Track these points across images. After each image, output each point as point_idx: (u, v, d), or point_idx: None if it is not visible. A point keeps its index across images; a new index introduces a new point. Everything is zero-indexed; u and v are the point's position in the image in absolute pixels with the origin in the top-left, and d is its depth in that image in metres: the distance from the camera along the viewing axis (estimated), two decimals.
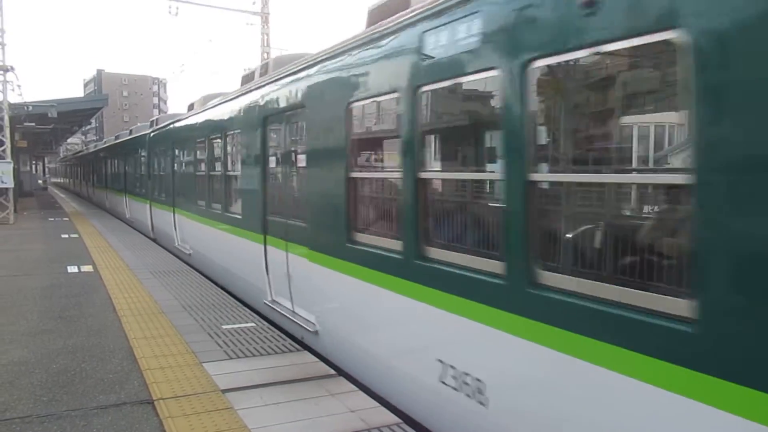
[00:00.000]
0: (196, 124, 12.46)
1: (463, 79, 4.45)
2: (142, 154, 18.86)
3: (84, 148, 58.05)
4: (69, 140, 65.19)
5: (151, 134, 17.72)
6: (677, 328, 2.90)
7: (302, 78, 6.97)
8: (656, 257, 3.44)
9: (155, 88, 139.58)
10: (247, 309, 8.38)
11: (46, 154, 65.74)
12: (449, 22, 4.38)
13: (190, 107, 14.12)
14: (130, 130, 25.21)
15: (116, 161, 25.23)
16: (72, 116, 30.76)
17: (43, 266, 12.11)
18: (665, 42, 2.97)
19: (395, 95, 5.08)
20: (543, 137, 4.01)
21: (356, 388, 5.40)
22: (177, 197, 14.14)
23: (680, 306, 2.93)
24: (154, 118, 19.41)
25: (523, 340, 3.77)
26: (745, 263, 2.67)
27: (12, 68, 22.17)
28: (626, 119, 3.72)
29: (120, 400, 5.12)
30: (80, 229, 19.47)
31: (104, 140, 36.16)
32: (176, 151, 14.42)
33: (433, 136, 5.21)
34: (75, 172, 51.57)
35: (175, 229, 14.34)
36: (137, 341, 6.78)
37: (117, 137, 27.48)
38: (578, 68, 3.72)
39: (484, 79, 4.21)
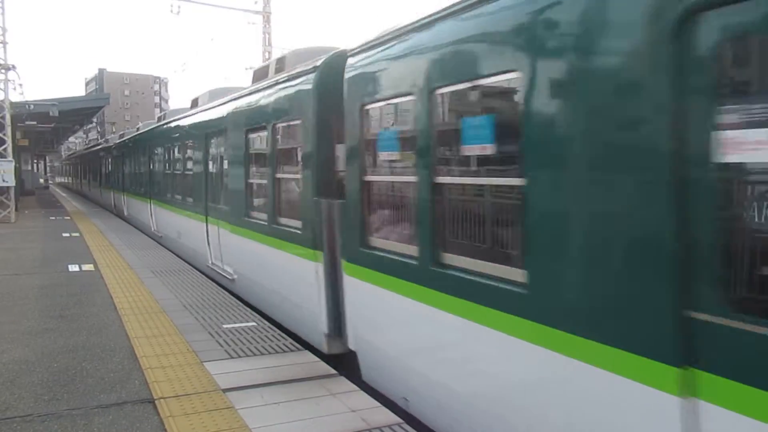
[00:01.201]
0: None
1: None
2: (258, 136, 8.68)
3: (102, 140, 45.85)
4: (70, 138, 65.28)
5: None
6: None
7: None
8: None
9: (156, 87, 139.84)
10: (248, 309, 8.40)
11: (47, 153, 65.96)
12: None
13: (381, 38, 5.45)
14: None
15: (181, 154, 13.96)
16: (73, 115, 30.82)
17: (44, 265, 12.13)
18: None
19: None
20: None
21: (357, 388, 5.40)
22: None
23: None
24: (261, 65, 10.39)
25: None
26: None
27: (13, 67, 22.26)
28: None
29: (121, 399, 5.13)
30: (81, 228, 19.48)
31: (138, 126, 24.68)
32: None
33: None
34: (90, 172, 37.75)
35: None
36: (138, 340, 6.79)
37: (160, 118, 19.09)
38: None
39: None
